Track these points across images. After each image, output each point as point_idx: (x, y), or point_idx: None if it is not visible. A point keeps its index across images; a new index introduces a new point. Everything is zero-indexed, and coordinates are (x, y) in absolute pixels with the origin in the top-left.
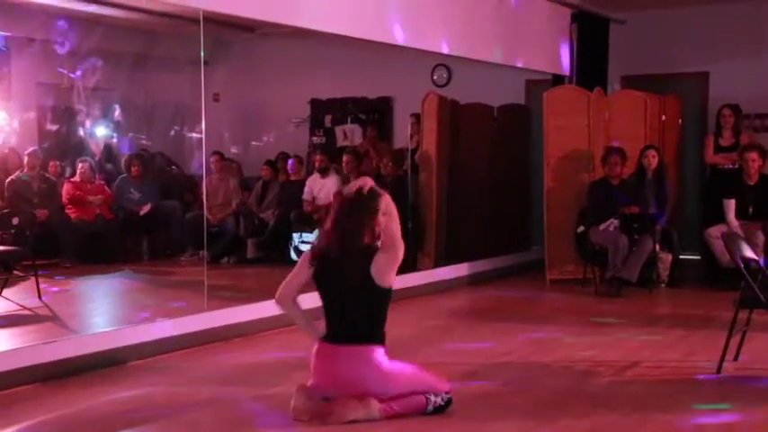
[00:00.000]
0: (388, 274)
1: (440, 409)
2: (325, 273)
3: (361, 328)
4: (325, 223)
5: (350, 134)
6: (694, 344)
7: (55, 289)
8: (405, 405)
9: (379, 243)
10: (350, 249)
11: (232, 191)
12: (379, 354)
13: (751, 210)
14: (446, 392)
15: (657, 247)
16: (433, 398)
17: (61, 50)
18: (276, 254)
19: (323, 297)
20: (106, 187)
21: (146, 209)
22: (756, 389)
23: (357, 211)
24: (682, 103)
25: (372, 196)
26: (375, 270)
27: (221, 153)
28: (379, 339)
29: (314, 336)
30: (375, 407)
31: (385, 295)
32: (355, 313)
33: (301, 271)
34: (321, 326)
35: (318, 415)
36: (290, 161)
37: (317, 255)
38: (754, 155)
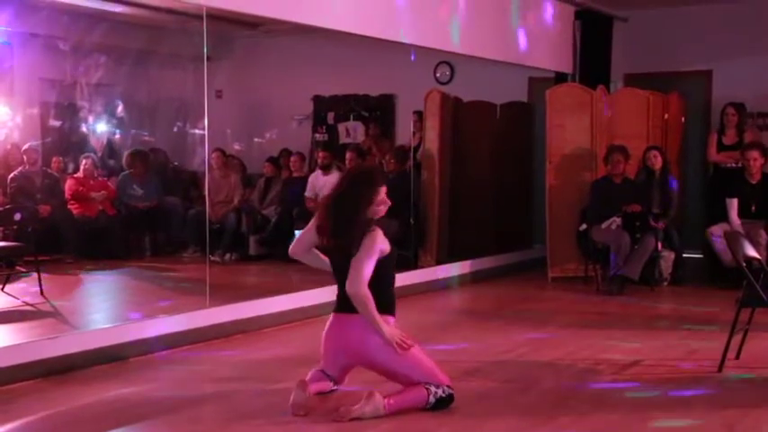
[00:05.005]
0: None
1: (441, 402)
2: (326, 245)
3: None
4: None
5: (352, 131)
6: (696, 342)
7: (57, 285)
8: (408, 398)
9: (367, 235)
10: (340, 231)
11: (234, 187)
12: (388, 323)
13: (753, 209)
14: (447, 386)
15: (660, 245)
16: (433, 389)
17: (64, 46)
18: (278, 251)
19: (330, 265)
20: (109, 183)
21: (149, 204)
22: (757, 388)
23: (354, 193)
24: (685, 102)
25: (371, 181)
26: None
27: (222, 150)
28: (383, 308)
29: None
30: (380, 402)
31: (378, 267)
32: None
33: (309, 232)
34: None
35: (319, 411)
36: (292, 158)
37: (318, 229)
38: (755, 154)
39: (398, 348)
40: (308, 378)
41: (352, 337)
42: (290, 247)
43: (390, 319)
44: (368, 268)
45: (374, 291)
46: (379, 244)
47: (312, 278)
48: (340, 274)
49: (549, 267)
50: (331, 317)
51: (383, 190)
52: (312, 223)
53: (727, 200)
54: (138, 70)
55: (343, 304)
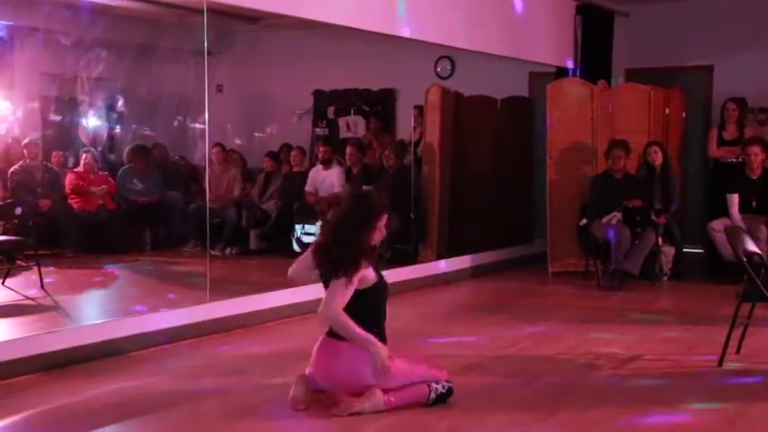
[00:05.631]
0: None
1: (442, 398)
2: (322, 270)
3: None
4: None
5: (353, 126)
6: (696, 337)
7: (57, 279)
8: (408, 395)
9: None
10: (335, 254)
11: (234, 182)
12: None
13: (754, 204)
14: (446, 381)
15: (660, 240)
16: (434, 385)
17: (65, 40)
18: (278, 245)
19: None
20: (110, 178)
21: (149, 199)
22: (757, 382)
23: (353, 219)
24: (686, 97)
25: (371, 209)
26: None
27: (222, 145)
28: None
29: None
30: (380, 398)
31: (359, 297)
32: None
33: (307, 258)
34: None
35: (319, 406)
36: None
37: (316, 248)
38: (756, 149)
39: (383, 371)
40: (307, 372)
41: (341, 369)
42: (289, 270)
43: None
44: (342, 295)
45: (363, 323)
46: (361, 272)
47: (312, 273)
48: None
49: (549, 262)
50: (320, 338)
51: (383, 218)
52: (309, 250)
53: (728, 195)
54: (139, 65)
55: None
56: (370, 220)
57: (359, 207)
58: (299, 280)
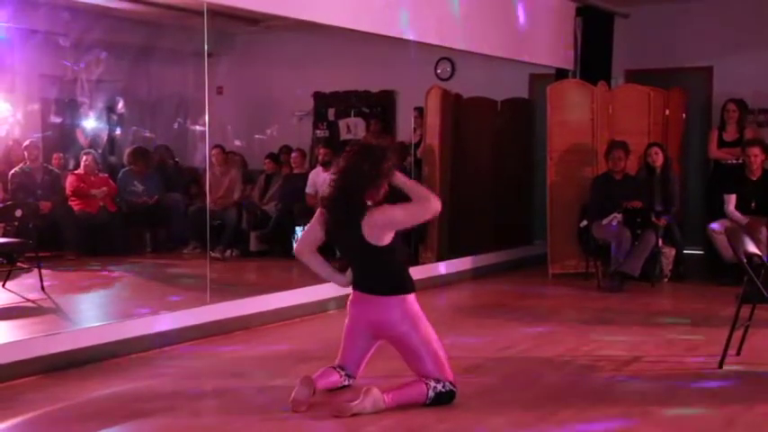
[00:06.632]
0: (381, 236)
1: (441, 397)
2: (333, 232)
3: (379, 282)
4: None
5: (353, 128)
6: (696, 339)
7: (58, 281)
8: (407, 394)
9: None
10: (348, 208)
11: (234, 183)
12: (408, 301)
13: (754, 205)
14: (449, 382)
15: (660, 241)
16: (433, 384)
17: (65, 42)
18: (279, 247)
19: (339, 252)
20: (110, 180)
21: (151, 201)
22: (758, 384)
23: (363, 166)
24: (686, 98)
25: (381, 155)
26: (367, 234)
27: (222, 146)
28: (403, 289)
29: (340, 282)
30: (379, 397)
31: (389, 251)
32: (369, 268)
33: (314, 227)
34: (348, 273)
35: (319, 407)
36: (293, 154)
37: (324, 213)
38: (756, 150)
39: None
40: (316, 374)
41: (376, 308)
42: (295, 246)
43: (409, 296)
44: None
45: (395, 273)
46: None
47: (312, 274)
48: (350, 253)
49: (549, 264)
50: (351, 294)
51: (390, 166)
52: (314, 220)
53: (725, 195)
54: (139, 66)
55: (360, 283)
56: (382, 164)
57: (370, 154)
58: (304, 258)
